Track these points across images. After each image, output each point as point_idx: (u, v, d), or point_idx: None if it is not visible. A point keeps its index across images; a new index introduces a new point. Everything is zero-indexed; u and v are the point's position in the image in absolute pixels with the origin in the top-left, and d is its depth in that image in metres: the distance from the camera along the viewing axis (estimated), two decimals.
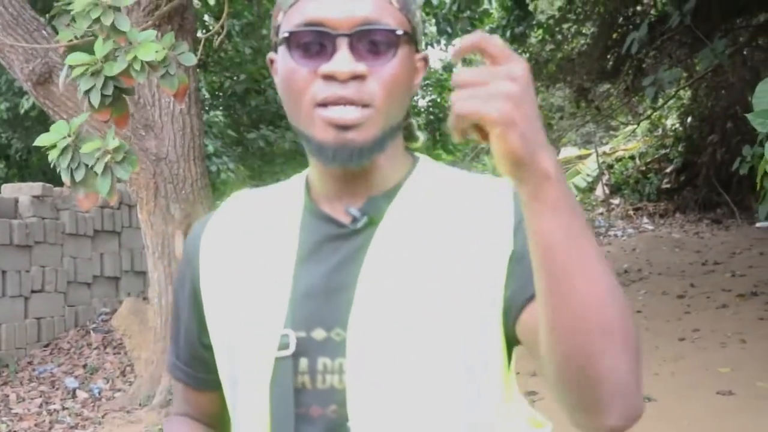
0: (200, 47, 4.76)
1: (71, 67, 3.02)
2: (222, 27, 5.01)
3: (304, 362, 1.01)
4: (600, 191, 14.78)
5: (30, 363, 7.66)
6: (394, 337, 0.98)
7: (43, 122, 8.98)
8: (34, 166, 11.09)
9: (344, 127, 0.98)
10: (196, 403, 1.20)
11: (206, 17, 11.48)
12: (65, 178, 3.12)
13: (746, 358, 5.39)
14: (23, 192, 8.00)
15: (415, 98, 10.85)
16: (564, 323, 0.81)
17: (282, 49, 1.03)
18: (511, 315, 0.97)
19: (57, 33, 3.36)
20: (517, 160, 0.77)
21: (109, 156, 3.08)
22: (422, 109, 14.87)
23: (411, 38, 1.03)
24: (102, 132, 3.81)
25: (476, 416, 1.00)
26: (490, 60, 0.79)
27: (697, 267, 9.21)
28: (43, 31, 5.60)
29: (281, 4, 1.05)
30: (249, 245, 1.09)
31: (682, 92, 12.35)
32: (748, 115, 3.61)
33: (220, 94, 12.84)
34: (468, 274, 0.99)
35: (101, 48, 2.98)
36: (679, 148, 13.98)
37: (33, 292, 7.87)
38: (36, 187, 8.07)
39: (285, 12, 1.03)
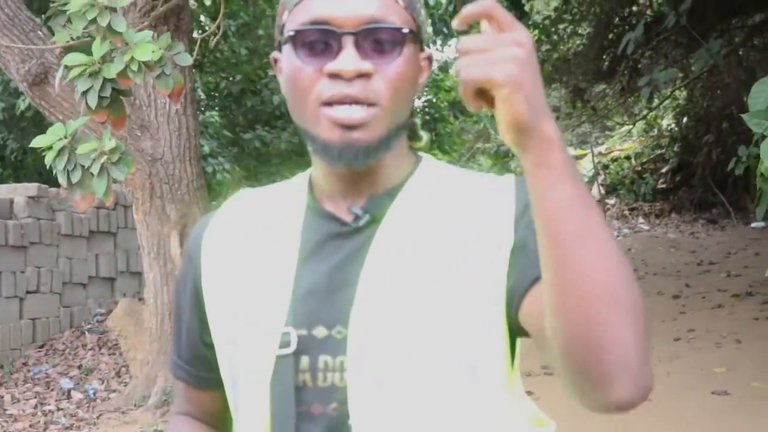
0: (196, 48, 4.77)
1: (68, 68, 3.01)
2: (218, 27, 5.01)
3: (305, 360, 1.01)
4: (596, 191, 14.77)
5: (25, 364, 7.64)
6: (396, 334, 0.98)
7: (38, 123, 8.97)
8: (29, 167, 11.06)
9: (350, 127, 0.97)
10: (197, 401, 1.20)
11: (202, 18, 11.46)
12: (62, 179, 3.12)
13: (741, 358, 5.39)
14: (18, 192, 7.97)
15: None
16: (573, 291, 0.80)
17: (287, 47, 1.02)
18: (514, 303, 0.97)
19: (53, 34, 3.35)
20: (522, 124, 0.78)
21: (105, 157, 3.08)
22: (418, 110, 14.85)
23: (416, 37, 1.03)
24: (98, 133, 3.80)
25: (478, 414, 1.00)
26: (497, 26, 0.79)
27: (692, 267, 9.21)
28: (39, 32, 5.58)
29: (286, 3, 1.04)
30: (251, 244, 1.09)
31: (677, 92, 12.34)
32: (744, 116, 3.62)
33: (216, 94, 12.81)
34: (470, 273, 0.99)
35: (99, 49, 2.98)
36: (675, 149, 13.97)
37: (28, 292, 7.84)
38: (31, 188, 8.04)
39: (290, 11, 1.03)
